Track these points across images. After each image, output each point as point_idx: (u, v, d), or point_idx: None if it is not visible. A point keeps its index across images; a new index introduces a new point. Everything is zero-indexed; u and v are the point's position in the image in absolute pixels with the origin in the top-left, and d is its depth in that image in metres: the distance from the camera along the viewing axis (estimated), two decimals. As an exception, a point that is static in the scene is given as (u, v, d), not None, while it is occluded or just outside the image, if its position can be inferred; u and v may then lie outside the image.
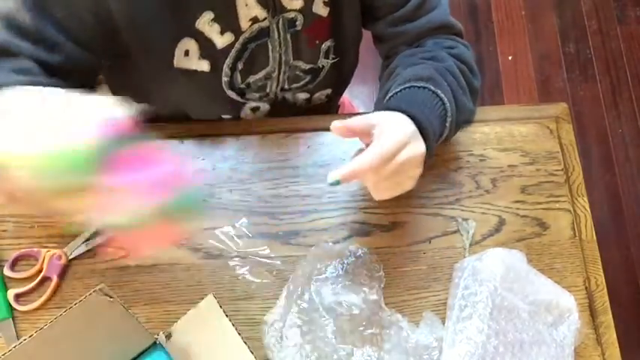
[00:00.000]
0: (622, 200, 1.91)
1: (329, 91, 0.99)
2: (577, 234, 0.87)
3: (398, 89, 0.77)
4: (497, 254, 0.79)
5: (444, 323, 0.78)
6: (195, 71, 0.82)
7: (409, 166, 0.70)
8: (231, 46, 0.81)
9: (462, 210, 0.87)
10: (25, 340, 0.58)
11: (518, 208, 0.88)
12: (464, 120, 0.85)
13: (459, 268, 0.80)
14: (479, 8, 2.14)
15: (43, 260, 0.80)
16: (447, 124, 0.78)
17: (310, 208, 0.86)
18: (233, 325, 0.72)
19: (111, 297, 0.61)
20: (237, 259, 0.82)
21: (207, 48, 0.80)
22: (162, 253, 0.82)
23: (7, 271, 0.81)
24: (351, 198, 0.87)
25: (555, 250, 0.86)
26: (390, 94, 0.78)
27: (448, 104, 0.77)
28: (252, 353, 0.71)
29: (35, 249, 0.81)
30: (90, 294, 0.59)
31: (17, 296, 0.80)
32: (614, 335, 0.82)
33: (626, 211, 1.90)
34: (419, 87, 0.77)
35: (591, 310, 0.83)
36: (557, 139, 0.92)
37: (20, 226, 0.83)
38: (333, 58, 0.91)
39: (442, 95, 0.77)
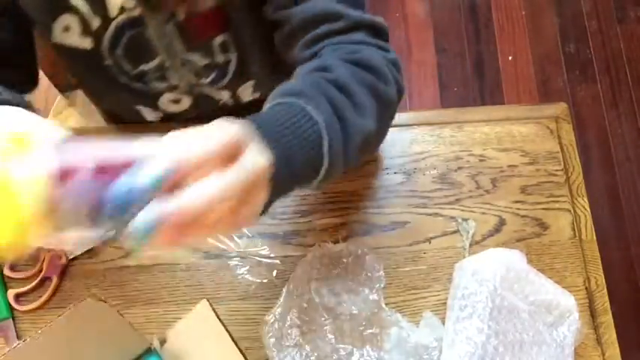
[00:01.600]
0: (622, 200, 1.91)
1: (256, 95, 0.94)
2: (577, 234, 0.87)
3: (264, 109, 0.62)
4: (497, 254, 0.79)
5: (443, 323, 0.78)
6: (77, 48, 0.78)
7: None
8: (104, 30, 0.77)
9: (462, 210, 0.87)
10: (18, 344, 0.58)
11: (518, 208, 0.88)
12: (360, 141, 0.63)
13: (459, 268, 0.80)
14: (479, 8, 2.14)
15: (43, 260, 0.80)
16: (324, 150, 0.58)
17: (310, 208, 0.86)
18: (227, 330, 0.72)
19: (105, 302, 0.61)
20: (237, 259, 0.82)
21: (86, 26, 0.76)
22: (162, 253, 0.83)
23: (7, 271, 0.81)
24: (352, 198, 0.87)
25: (555, 250, 0.86)
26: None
27: (323, 123, 0.58)
28: (246, 358, 0.71)
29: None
30: (84, 299, 0.59)
31: (17, 296, 0.80)
32: (614, 335, 0.82)
33: (626, 211, 1.90)
34: (283, 102, 0.60)
35: (591, 311, 0.83)
36: (557, 139, 0.92)
37: (20, 225, 0.83)
38: (234, 52, 0.85)
39: (310, 111, 0.58)
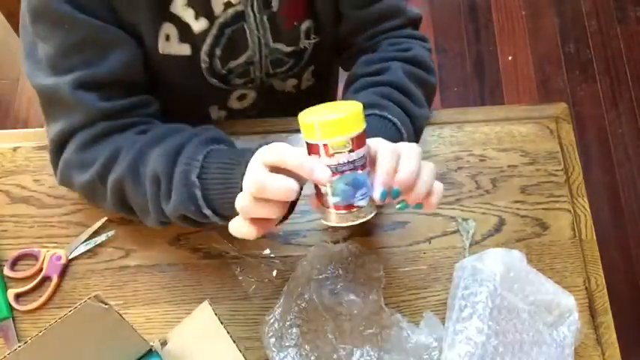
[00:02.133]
0: (622, 200, 1.91)
1: (312, 68, 0.98)
2: (577, 234, 0.87)
3: None
4: (497, 254, 0.79)
5: (443, 323, 0.78)
6: (177, 56, 0.81)
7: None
8: (207, 31, 0.80)
9: (462, 210, 0.87)
10: (19, 347, 0.58)
11: (518, 208, 0.88)
12: (421, 126, 0.83)
13: (459, 268, 0.80)
14: (479, 8, 2.14)
15: (44, 260, 0.80)
16: (405, 140, 0.76)
17: (310, 208, 0.86)
18: (228, 332, 0.72)
19: (106, 304, 0.60)
20: (237, 259, 0.82)
21: (185, 32, 0.79)
22: (162, 253, 0.83)
23: (7, 271, 0.81)
24: (351, 198, 0.87)
25: (555, 250, 0.86)
26: None
27: (399, 122, 0.75)
28: (247, 360, 0.71)
29: (35, 249, 0.81)
30: (84, 301, 0.59)
31: (17, 296, 0.80)
32: (614, 335, 0.82)
33: (626, 211, 1.90)
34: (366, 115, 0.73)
35: (591, 311, 0.83)
36: (557, 139, 0.92)
37: (20, 226, 0.83)
38: (314, 38, 0.89)
39: (390, 116, 0.75)
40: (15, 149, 0.88)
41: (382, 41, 0.87)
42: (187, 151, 0.69)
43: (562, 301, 0.78)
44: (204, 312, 0.73)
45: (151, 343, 0.71)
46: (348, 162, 0.58)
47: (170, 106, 0.86)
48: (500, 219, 0.87)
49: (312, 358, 0.75)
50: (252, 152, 0.63)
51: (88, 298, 0.59)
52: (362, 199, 0.60)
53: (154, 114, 0.80)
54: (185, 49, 0.81)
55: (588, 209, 0.89)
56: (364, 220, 0.61)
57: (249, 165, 0.61)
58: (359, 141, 0.58)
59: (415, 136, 0.80)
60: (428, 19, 2.11)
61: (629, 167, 1.95)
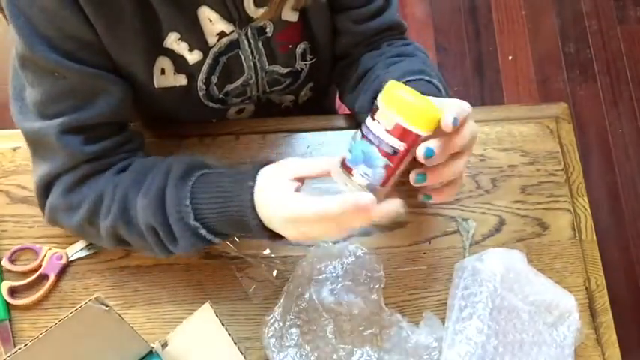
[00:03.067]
0: (622, 200, 1.91)
1: (310, 84, 0.97)
2: (577, 234, 0.87)
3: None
4: (497, 254, 0.79)
5: (444, 323, 0.78)
6: (174, 87, 0.81)
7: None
8: (202, 62, 0.80)
9: (462, 210, 0.87)
10: (19, 349, 0.58)
11: (518, 208, 0.88)
12: None
13: (459, 268, 0.80)
14: (479, 8, 2.14)
15: (44, 257, 0.80)
16: None
17: (310, 208, 0.86)
18: (229, 334, 0.72)
19: (107, 306, 0.60)
20: (237, 259, 0.82)
21: (180, 64, 0.79)
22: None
23: (5, 263, 0.81)
24: (351, 198, 0.87)
25: (555, 250, 0.86)
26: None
27: (444, 92, 0.78)
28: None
29: (37, 245, 0.81)
30: (85, 303, 0.59)
31: (12, 290, 0.80)
32: (614, 335, 0.82)
33: (626, 211, 1.90)
34: (416, 80, 0.76)
35: (591, 311, 0.83)
36: (557, 139, 0.92)
37: (20, 225, 0.83)
38: (311, 59, 0.89)
39: (438, 84, 0.77)
40: (15, 149, 0.88)
41: (381, 43, 0.88)
42: (170, 197, 0.69)
43: (562, 301, 0.78)
44: (206, 313, 0.73)
45: (152, 345, 0.71)
46: (377, 136, 0.59)
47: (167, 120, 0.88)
48: (500, 219, 0.87)
49: (312, 358, 0.75)
50: (236, 171, 0.68)
51: (89, 300, 0.59)
52: (363, 176, 0.61)
53: (139, 147, 0.79)
54: (181, 80, 0.81)
55: (588, 209, 0.89)
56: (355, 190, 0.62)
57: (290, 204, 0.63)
58: (403, 134, 0.58)
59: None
60: (428, 18, 2.11)
61: (629, 167, 1.95)
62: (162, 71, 0.78)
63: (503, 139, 0.92)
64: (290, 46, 0.85)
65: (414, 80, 0.76)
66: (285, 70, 0.88)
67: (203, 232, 0.68)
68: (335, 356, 0.75)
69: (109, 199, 0.71)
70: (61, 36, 0.67)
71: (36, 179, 0.75)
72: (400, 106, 0.58)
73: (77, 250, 0.81)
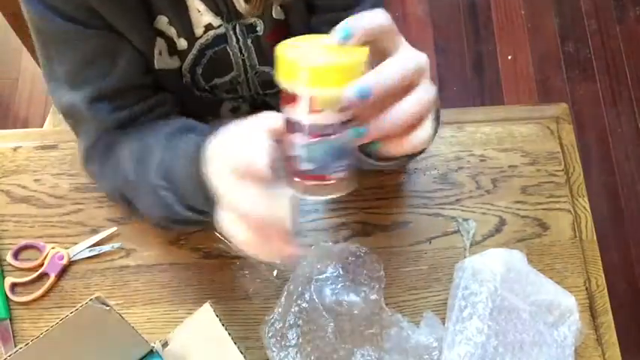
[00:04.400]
0: (622, 200, 1.91)
1: None
2: (577, 234, 0.87)
3: None
4: (498, 254, 0.79)
5: (444, 323, 0.78)
6: (169, 70, 0.80)
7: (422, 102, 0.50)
8: (187, 51, 0.79)
9: (463, 210, 0.87)
10: (20, 348, 0.58)
11: (518, 209, 0.88)
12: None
13: (460, 268, 0.80)
14: (478, 8, 2.14)
15: (46, 256, 0.80)
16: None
17: (310, 208, 0.86)
18: (229, 334, 0.72)
19: (107, 305, 0.60)
20: (237, 259, 0.82)
21: (172, 46, 0.78)
22: (163, 253, 0.82)
23: (9, 258, 0.81)
24: (352, 198, 0.87)
25: (556, 250, 0.86)
26: None
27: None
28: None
29: (41, 243, 0.81)
30: (86, 303, 0.59)
31: (13, 285, 0.80)
32: (615, 336, 0.82)
33: (626, 211, 1.90)
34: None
35: (592, 311, 0.83)
36: (557, 139, 0.92)
37: (21, 225, 0.83)
38: None
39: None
40: (15, 149, 0.88)
41: None
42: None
43: (562, 302, 0.78)
44: (206, 314, 0.73)
45: (152, 344, 0.71)
46: (335, 124, 0.45)
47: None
48: (500, 219, 0.87)
49: (313, 358, 0.75)
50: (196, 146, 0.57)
51: (90, 300, 0.59)
52: (341, 169, 0.48)
53: (170, 110, 0.80)
54: (175, 62, 0.80)
55: (589, 209, 0.89)
56: (335, 196, 0.50)
57: (217, 180, 0.52)
58: (324, 103, 0.45)
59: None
60: (427, 18, 2.10)
61: (629, 167, 1.95)
62: (160, 53, 0.78)
63: (504, 139, 0.92)
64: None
65: None
66: None
67: (163, 193, 0.65)
68: (335, 356, 0.75)
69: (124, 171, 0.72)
70: (72, 7, 0.67)
71: (79, 154, 0.77)
72: (326, 75, 0.44)
73: (79, 250, 0.81)
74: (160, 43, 0.77)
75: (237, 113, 0.95)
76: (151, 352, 0.71)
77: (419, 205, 0.87)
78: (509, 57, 2.08)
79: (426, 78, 0.51)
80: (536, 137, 0.92)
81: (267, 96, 0.92)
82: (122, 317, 0.63)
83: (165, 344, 0.73)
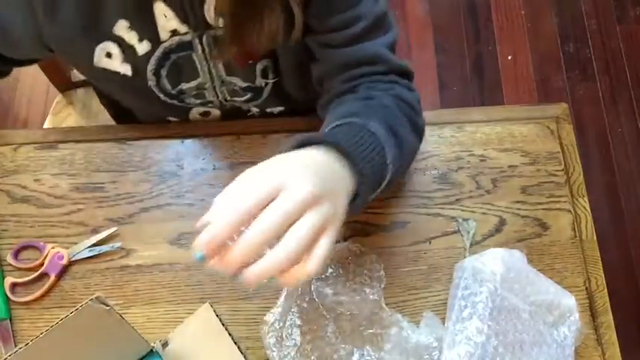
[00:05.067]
0: (621, 200, 1.91)
1: (281, 108, 0.94)
2: (577, 234, 0.87)
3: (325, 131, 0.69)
4: (498, 254, 0.79)
5: (444, 323, 0.78)
6: (119, 73, 0.80)
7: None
8: (150, 53, 0.78)
9: (463, 210, 0.87)
10: (20, 348, 0.58)
11: (518, 209, 0.88)
12: (409, 159, 0.75)
13: (459, 268, 0.80)
14: (478, 8, 2.14)
15: (46, 256, 0.80)
16: (388, 161, 0.65)
17: (310, 208, 0.86)
18: (230, 334, 0.72)
19: (107, 305, 0.60)
20: (237, 259, 0.82)
21: (129, 53, 0.77)
22: (163, 253, 0.82)
23: (9, 258, 0.81)
24: (352, 198, 0.87)
25: (556, 250, 0.86)
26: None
27: (382, 137, 0.65)
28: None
29: (42, 242, 0.81)
30: (86, 303, 0.59)
31: (13, 285, 0.80)
32: (615, 336, 0.82)
33: (626, 211, 1.90)
34: (342, 124, 0.66)
35: (592, 311, 0.83)
36: (557, 139, 0.92)
37: (21, 225, 0.83)
38: (273, 78, 0.85)
39: (376, 129, 0.65)
40: (15, 149, 0.88)
41: (360, 86, 0.77)
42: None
43: (562, 302, 0.78)
44: (206, 313, 0.73)
45: (152, 344, 0.71)
46: None
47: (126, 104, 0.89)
48: (500, 219, 0.87)
49: (313, 358, 0.75)
50: None
51: (89, 300, 0.59)
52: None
53: None
54: (126, 70, 0.80)
55: (589, 209, 0.89)
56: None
57: None
58: None
59: (400, 162, 0.69)
60: (427, 18, 2.11)
61: (629, 167, 1.95)
62: (109, 55, 0.77)
63: (504, 139, 0.92)
64: (250, 62, 0.81)
65: (341, 124, 0.66)
66: (245, 85, 0.86)
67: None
68: (335, 356, 0.75)
69: None
70: None
71: None
72: None
73: (79, 250, 0.81)
74: (111, 47, 0.77)
75: (207, 117, 0.95)
76: (151, 352, 0.72)
77: (419, 205, 0.87)
78: (509, 57, 2.08)
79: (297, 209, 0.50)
80: (536, 137, 0.92)
81: (235, 102, 0.91)
82: (122, 317, 0.63)
83: (165, 344, 0.73)
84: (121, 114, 1.00)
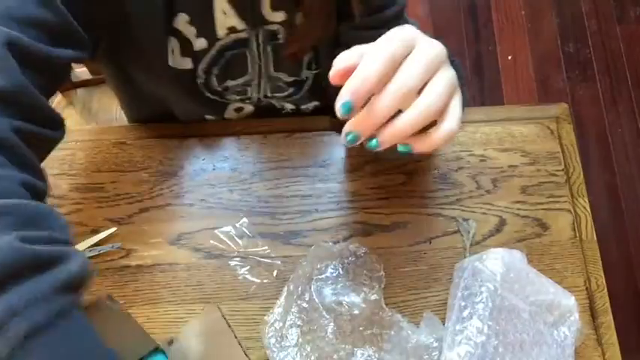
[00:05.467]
0: (621, 200, 1.91)
1: (316, 103, 0.96)
2: (577, 234, 0.87)
3: None
4: (498, 254, 0.79)
5: (444, 323, 0.78)
6: (180, 69, 0.81)
7: (441, 81, 0.48)
8: (206, 50, 0.79)
9: (463, 210, 0.87)
10: None
11: (518, 209, 0.88)
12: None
13: (460, 268, 0.80)
14: (478, 8, 2.14)
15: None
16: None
17: (310, 208, 0.86)
18: (236, 337, 0.72)
19: (114, 302, 0.61)
20: (237, 259, 0.82)
21: (186, 47, 0.78)
22: (163, 253, 0.82)
23: None
24: (352, 198, 0.87)
25: (556, 250, 0.86)
26: None
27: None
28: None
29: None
30: (93, 300, 0.59)
31: None
32: (615, 336, 0.82)
33: (626, 211, 1.90)
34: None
35: (592, 311, 0.83)
36: (557, 139, 0.92)
37: (20, 225, 0.83)
38: (315, 69, 0.87)
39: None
40: (15, 149, 0.88)
41: None
42: None
43: (562, 302, 0.78)
44: (212, 315, 0.73)
45: (158, 343, 0.71)
46: None
47: (161, 107, 0.87)
48: (500, 219, 0.87)
49: (313, 358, 0.75)
50: None
51: (97, 297, 0.59)
52: None
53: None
54: (187, 63, 0.80)
55: (589, 209, 0.89)
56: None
57: None
58: None
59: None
60: (427, 18, 2.11)
61: (629, 167, 1.95)
62: (172, 51, 0.78)
63: (504, 139, 0.92)
64: (299, 54, 0.83)
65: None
66: (290, 79, 0.88)
67: None
68: (335, 356, 0.75)
69: None
70: None
71: None
72: None
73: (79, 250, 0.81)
74: (173, 42, 0.77)
75: (240, 113, 0.95)
76: (156, 349, 0.71)
77: (419, 205, 0.87)
78: (510, 57, 2.08)
79: (432, 61, 0.47)
80: (536, 137, 0.92)
81: (273, 99, 0.92)
82: (128, 313, 0.63)
83: (171, 342, 0.73)
84: (143, 117, 0.98)
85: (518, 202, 0.88)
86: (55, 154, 0.87)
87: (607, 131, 1.99)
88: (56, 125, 0.64)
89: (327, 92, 0.93)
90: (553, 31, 2.12)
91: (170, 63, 0.79)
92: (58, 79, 0.66)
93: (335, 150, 0.89)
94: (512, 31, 2.11)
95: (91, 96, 1.19)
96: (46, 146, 0.65)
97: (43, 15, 0.61)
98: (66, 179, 0.86)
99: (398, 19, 0.78)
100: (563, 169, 0.90)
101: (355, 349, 0.76)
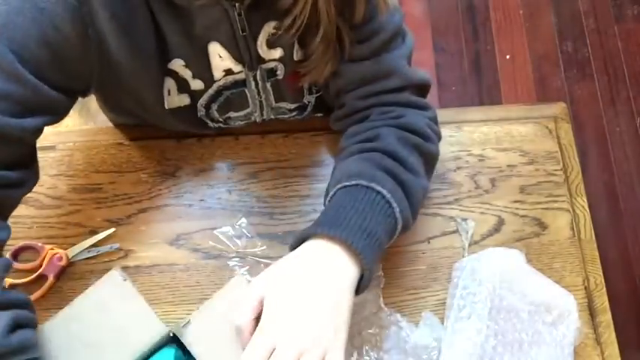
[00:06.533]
0: (620, 199, 1.91)
1: (320, 115, 0.96)
2: (576, 234, 0.87)
3: (328, 198, 0.73)
4: (496, 254, 0.79)
5: (443, 323, 0.78)
6: (180, 107, 0.81)
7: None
8: (203, 91, 0.79)
9: (461, 210, 0.87)
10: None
11: (517, 208, 0.88)
12: (418, 198, 0.74)
13: (458, 268, 0.80)
14: (476, 7, 2.14)
15: (44, 257, 0.80)
16: (397, 215, 0.70)
17: (310, 208, 0.86)
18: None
19: (125, 279, 0.61)
20: (236, 259, 0.82)
21: (182, 85, 0.78)
22: (161, 253, 0.82)
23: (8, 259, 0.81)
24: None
25: (554, 249, 0.86)
26: (325, 204, 0.75)
27: (388, 194, 0.69)
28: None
29: (40, 244, 0.81)
30: (108, 273, 0.60)
31: (12, 287, 0.79)
32: (614, 335, 0.82)
33: (625, 210, 1.90)
34: (349, 185, 0.71)
35: (590, 310, 0.83)
36: (556, 138, 0.92)
37: (19, 226, 0.83)
38: (317, 92, 0.87)
39: (378, 188, 0.69)
40: (13, 150, 0.87)
41: (373, 108, 0.79)
42: None
43: (561, 301, 0.78)
44: (236, 287, 0.73)
45: (170, 330, 0.71)
46: None
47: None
48: (499, 219, 0.87)
49: (312, 358, 0.75)
50: None
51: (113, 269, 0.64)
52: None
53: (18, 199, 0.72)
54: (184, 99, 0.80)
55: (587, 209, 0.89)
56: None
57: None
58: None
59: (411, 209, 0.72)
60: (426, 18, 2.11)
61: (627, 166, 1.95)
62: (169, 92, 0.78)
63: (502, 138, 0.92)
64: (299, 84, 0.82)
65: (347, 186, 0.71)
66: (293, 106, 0.88)
67: None
68: (334, 356, 0.75)
69: None
70: (40, 43, 0.63)
71: None
72: None
73: (77, 251, 0.81)
74: (169, 83, 0.77)
75: (245, 123, 0.95)
76: (167, 343, 0.71)
77: (418, 205, 0.87)
78: (508, 56, 2.08)
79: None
80: (534, 137, 0.92)
81: (277, 120, 0.92)
82: (138, 292, 0.68)
83: (187, 324, 0.71)
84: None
85: (516, 201, 0.88)
86: (53, 155, 0.87)
87: (605, 130, 1.99)
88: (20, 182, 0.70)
89: (330, 108, 0.92)
90: (551, 31, 2.12)
91: (167, 106, 0.79)
92: (25, 145, 0.70)
93: (334, 150, 0.89)
94: (510, 31, 2.12)
95: (89, 97, 1.18)
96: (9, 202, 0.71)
97: (8, 88, 0.63)
98: (64, 180, 0.86)
99: (390, 44, 0.77)
100: (561, 169, 0.90)
101: (354, 349, 0.76)
